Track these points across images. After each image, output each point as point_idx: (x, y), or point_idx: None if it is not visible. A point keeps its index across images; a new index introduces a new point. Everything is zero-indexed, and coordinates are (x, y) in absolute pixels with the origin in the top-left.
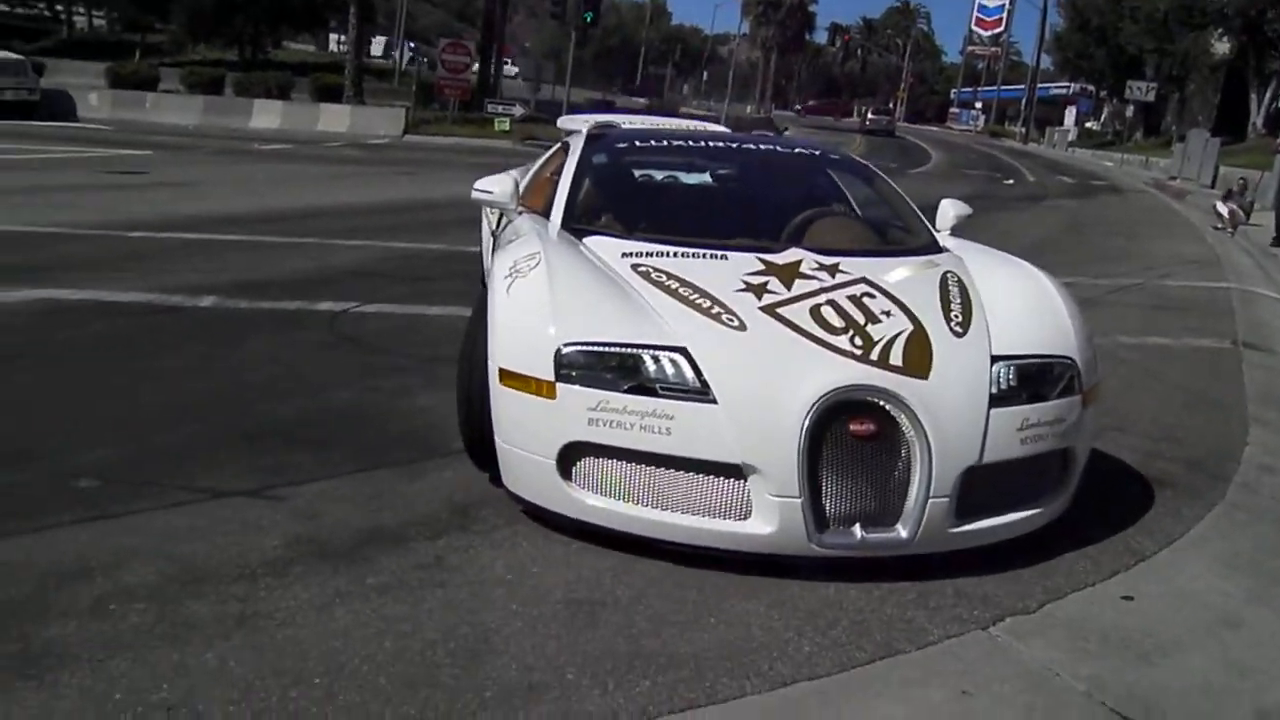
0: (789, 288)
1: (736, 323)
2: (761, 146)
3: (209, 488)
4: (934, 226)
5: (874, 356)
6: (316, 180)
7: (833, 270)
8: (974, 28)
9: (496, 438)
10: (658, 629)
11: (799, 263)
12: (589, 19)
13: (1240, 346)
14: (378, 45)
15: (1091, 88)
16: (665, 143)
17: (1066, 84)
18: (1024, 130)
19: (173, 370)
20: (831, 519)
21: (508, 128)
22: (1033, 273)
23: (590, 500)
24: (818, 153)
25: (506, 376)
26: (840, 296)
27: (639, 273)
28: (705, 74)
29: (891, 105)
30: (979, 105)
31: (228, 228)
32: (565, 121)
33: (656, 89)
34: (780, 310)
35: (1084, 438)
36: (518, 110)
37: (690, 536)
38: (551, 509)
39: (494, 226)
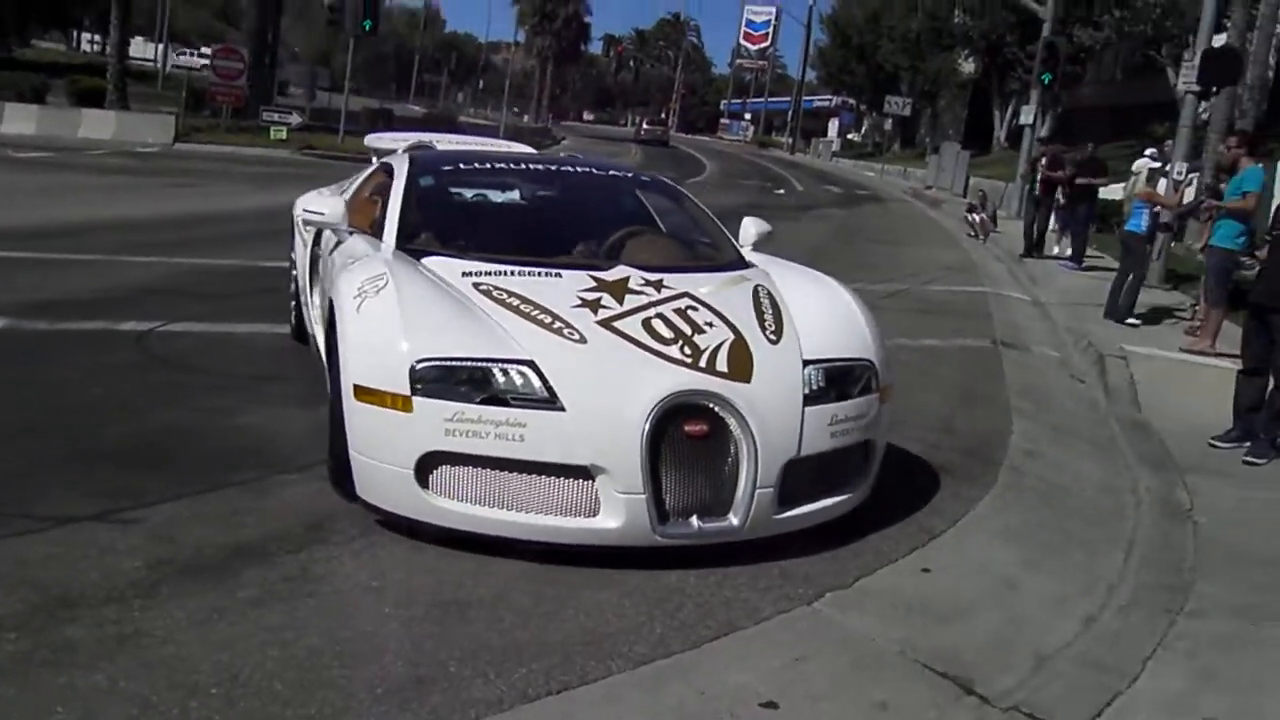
0: (620, 303)
1: (577, 336)
2: (578, 169)
3: (52, 515)
4: (738, 243)
5: (702, 364)
6: (90, 191)
7: (657, 286)
8: (742, 41)
9: (351, 450)
10: (525, 622)
11: (627, 279)
12: (368, 27)
13: (999, 345)
14: (135, 46)
15: (853, 101)
16: (488, 165)
17: (829, 97)
18: (791, 141)
19: None
20: (671, 511)
21: (284, 136)
22: (831, 284)
23: (449, 506)
24: (629, 174)
25: (361, 392)
26: (667, 310)
27: (481, 291)
28: (481, 82)
29: (664, 115)
30: (748, 116)
31: (2, 244)
32: (374, 140)
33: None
34: (615, 324)
35: (881, 431)
36: (294, 119)
37: (545, 534)
38: (411, 516)
39: (310, 243)
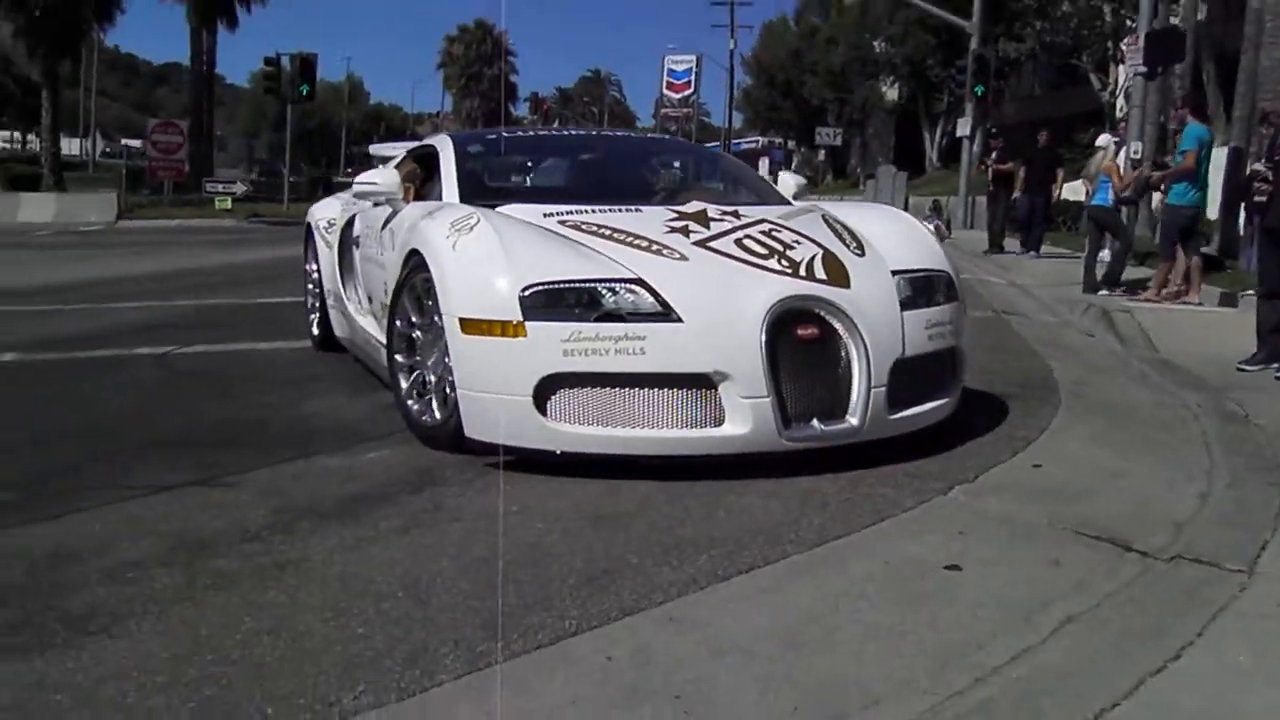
0: (707, 228)
1: (678, 255)
2: (617, 134)
3: (149, 484)
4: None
5: (802, 273)
6: (50, 261)
7: (735, 215)
8: (665, 91)
9: (459, 387)
10: (682, 524)
11: (705, 210)
12: (305, 91)
13: (1002, 314)
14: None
15: (781, 139)
16: (530, 133)
17: (756, 138)
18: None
19: (20, 408)
20: (793, 415)
21: (229, 206)
22: (890, 209)
23: (571, 429)
24: (664, 138)
25: (469, 325)
26: (754, 231)
27: (569, 226)
28: None
29: None
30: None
31: None
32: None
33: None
34: (710, 244)
35: (964, 338)
36: (239, 188)
37: (670, 447)
38: (530, 446)
39: (338, 242)
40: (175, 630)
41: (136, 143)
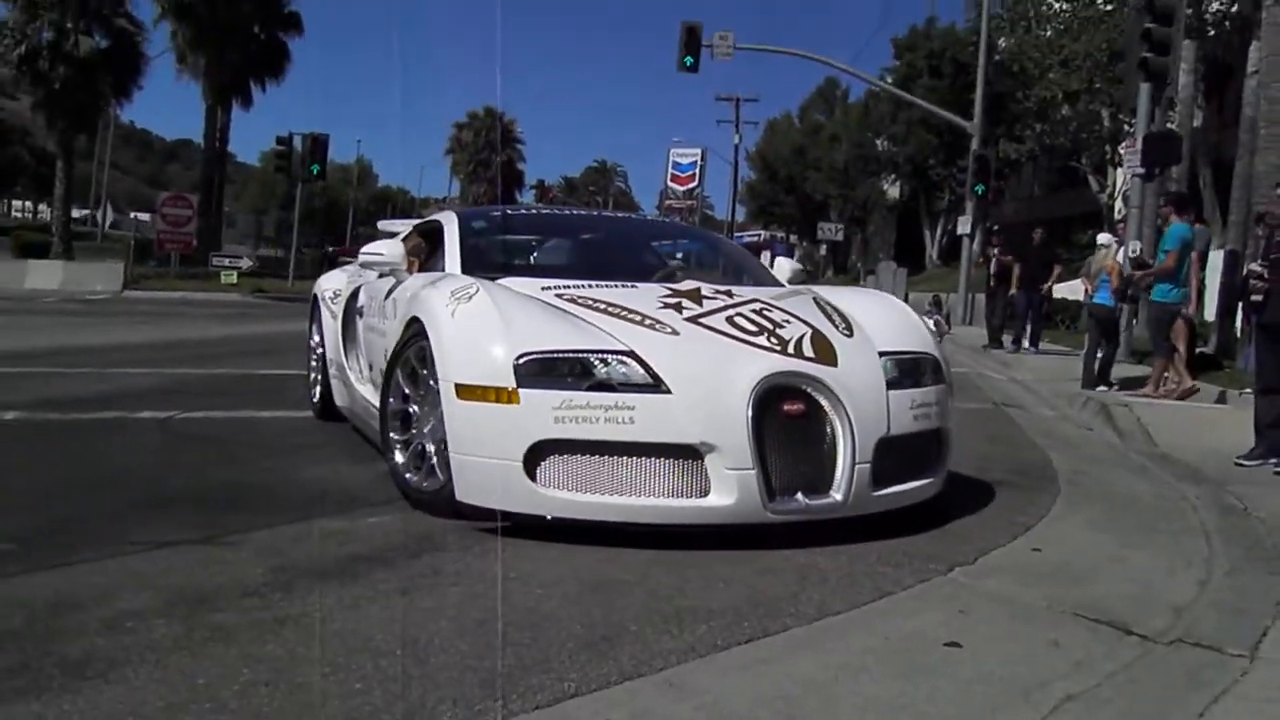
0: (700, 305)
1: (669, 330)
2: (616, 215)
3: (152, 540)
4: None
5: (790, 350)
6: (54, 327)
7: (729, 294)
8: (669, 183)
9: (453, 452)
10: (681, 593)
11: (699, 289)
12: (315, 171)
13: (1001, 406)
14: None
15: (783, 233)
16: (534, 211)
17: (759, 231)
18: None
19: (23, 464)
20: (777, 488)
21: (234, 280)
22: (881, 294)
23: (559, 495)
24: (663, 219)
25: (464, 390)
26: (745, 310)
27: (566, 300)
28: None
29: None
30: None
31: None
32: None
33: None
34: (701, 320)
35: (950, 420)
36: (245, 262)
37: (656, 516)
38: (519, 510)
39: (342, 313)
40: (172, 678)
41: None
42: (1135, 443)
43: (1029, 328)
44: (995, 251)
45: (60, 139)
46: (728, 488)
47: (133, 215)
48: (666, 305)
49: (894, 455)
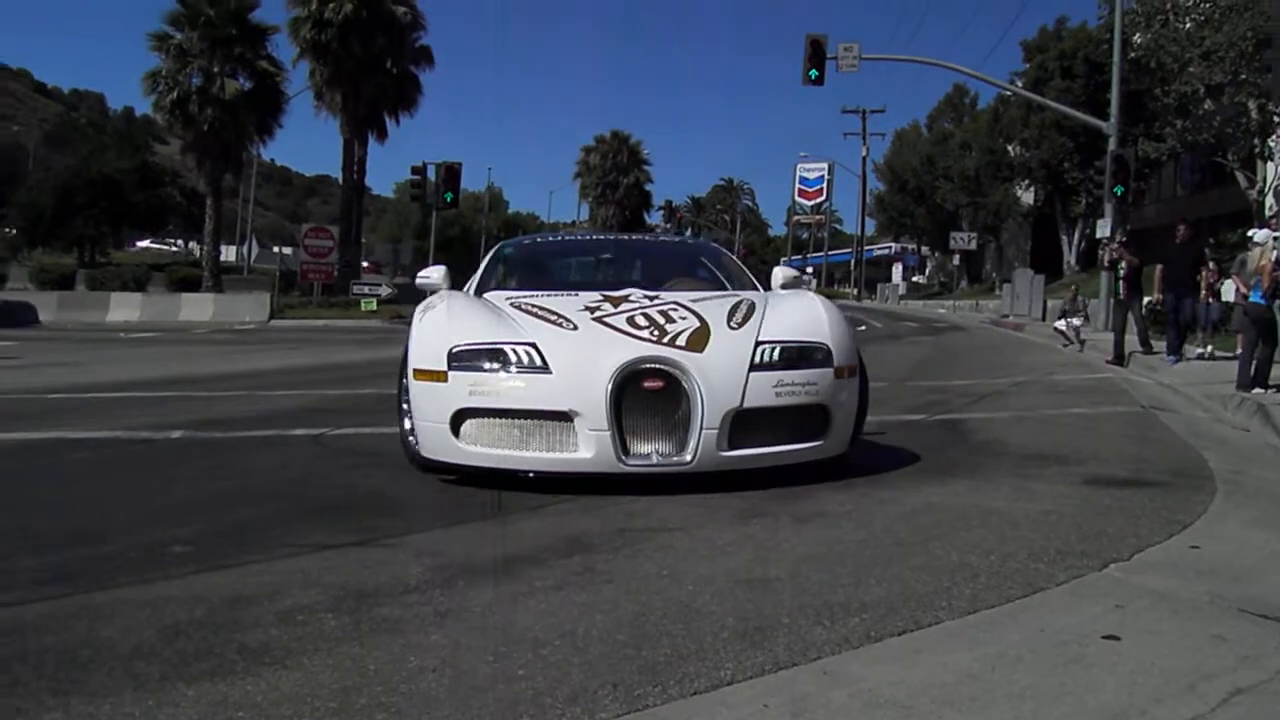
0: (616, 308)
1: (572, 326)
2: (634, 237)
3: (313, 542)
4: (771, 286)
5: (665, 341)
6: (209, 356)
7: (652, 299)
8: (797, 198)
9: (415, 419)
10: (831, 589)
11: (629, 294)
12: (449, 199)
13: (1150, 409)
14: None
15: (914, 246)
16: (560, 237)
17: (889, 245)
18: (857, 289)
19: (190, 476)
20: (631, 448)
21: (375, 307)
22: (809, 294)
23: (473, 449)
24: (678, 238)
25: (418, 373)
26: (652, 310)
27: (514, 305)
28: None
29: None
30: (809, 270)
31: (146, 388)
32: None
33: None
34: (605, 319)
35: (841, 400)
36: (384, 290)
37: (541, 465)
38: (450, 461)
39: None
40: (344, 665)
41: (288, 250)
42: None
43: (1181, 332)
44: (1115, 250)
45: (208, 178)
46: (589, 445)
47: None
48: (587, 308)
49: (754, 425)
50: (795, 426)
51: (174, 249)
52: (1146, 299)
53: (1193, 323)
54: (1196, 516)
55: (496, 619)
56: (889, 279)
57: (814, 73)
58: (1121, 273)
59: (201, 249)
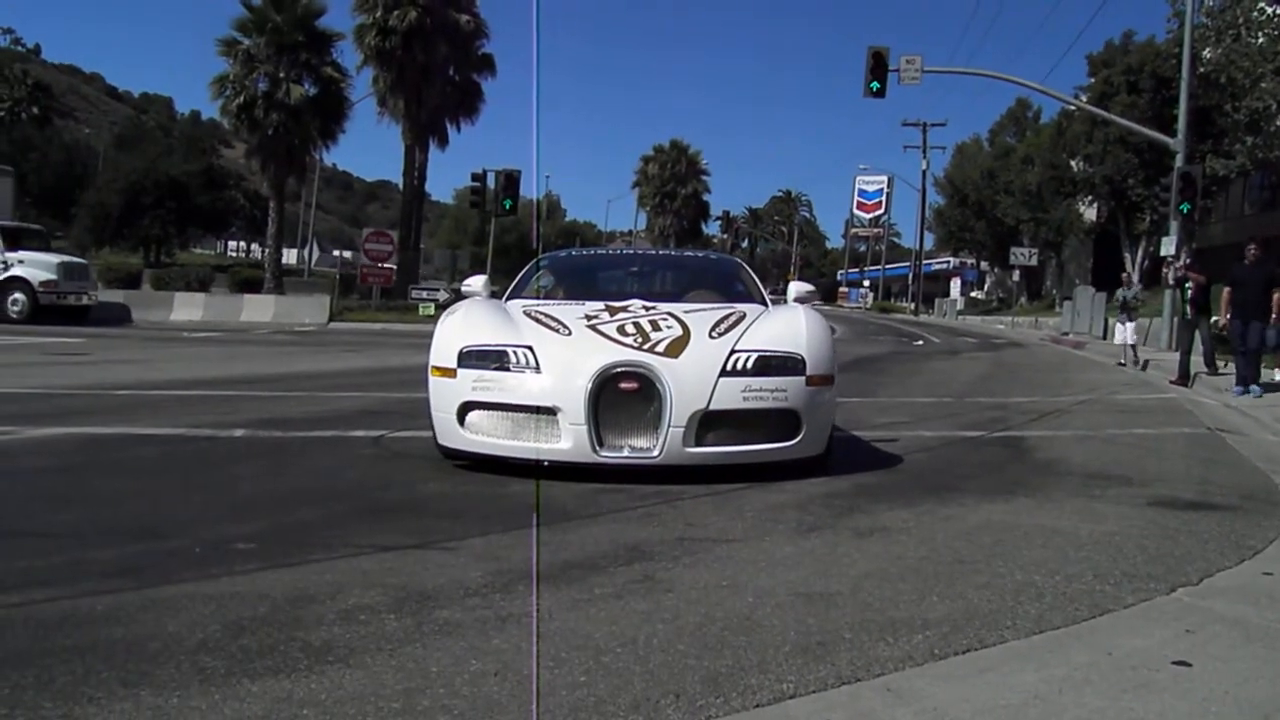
0: (612, 317)
1: (566, 331)
2: (659, 252)
3: (374, 544)
4: (785, 298)
5: (645, 347)
6: (270, 356)
7: (649, 309)
8: (856, 211)
9: (432, 410)
10: (894, 605)
11: (629, 304)
12: (508, 205)
13: (1216, 431)
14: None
15: (973, 260)
16: (594, 251)
17: (947, 259)
18: (915, 304)
19: (252, 474)
20: (606, 441)
21: (432, 312)
22: (798, 308)
23: (475, 437)
24: (701, 254)
25: (435, 370)
26: (643, 319)
27: (524, 313)
28: None
29: (782, 287)
30: (866, 284)
31: (212, 386)
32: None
33: None
34: (598, 327)
35: (812, 407)
36: (442, 295)
37: (530, 454)
38: (457, 448)
39: None
40: (406, 666)
41: (348, 254)
42: None
43: (1251, 361)
44: (1181, 270)
45: (272, 181)
46: (569, 437)
47: (335, 253)
48: (585, 316)
49: (721, 425)
50: (765, 429)
51: (234, 253)
52: (1214, 318)
53: (1261, 348)
54: (1269, 542)
55: (557, 624)
56: (947, 293)
57: (875, 84)
58: (1189, 294)
59: (264, 251)
